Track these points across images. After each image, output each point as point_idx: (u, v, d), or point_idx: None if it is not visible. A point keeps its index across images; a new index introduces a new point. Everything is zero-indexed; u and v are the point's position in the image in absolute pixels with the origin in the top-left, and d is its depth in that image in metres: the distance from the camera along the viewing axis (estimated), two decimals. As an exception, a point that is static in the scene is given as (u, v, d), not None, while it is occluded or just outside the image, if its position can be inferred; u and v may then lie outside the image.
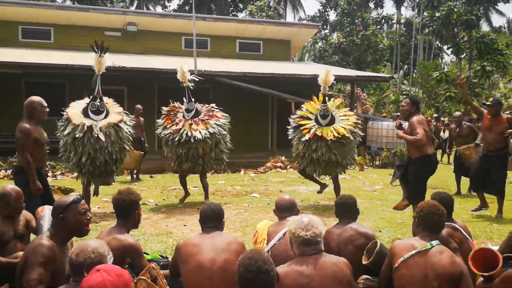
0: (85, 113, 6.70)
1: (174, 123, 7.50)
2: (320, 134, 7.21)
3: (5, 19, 15.49)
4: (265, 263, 2.31)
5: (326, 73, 7.43)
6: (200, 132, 7.24)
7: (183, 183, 7.97)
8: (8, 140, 11.88)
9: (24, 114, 5.13)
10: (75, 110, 6.78)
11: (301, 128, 7.46)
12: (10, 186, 3.89)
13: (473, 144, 8.48)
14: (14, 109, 13.85)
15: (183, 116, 7.58)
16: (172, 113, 7.74)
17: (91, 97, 6.88)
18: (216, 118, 7.61)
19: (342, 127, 7.29)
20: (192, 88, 7.68)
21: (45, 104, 5.18)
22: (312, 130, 7.29)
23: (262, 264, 2.29)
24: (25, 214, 3.90)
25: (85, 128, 6.50)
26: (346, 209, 3.72)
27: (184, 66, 7.74)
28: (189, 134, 7.24)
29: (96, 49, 6.87)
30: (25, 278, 2.80)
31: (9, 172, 10.71)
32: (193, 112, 7.55)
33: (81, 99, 7.11)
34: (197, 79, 7.87)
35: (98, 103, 6.74)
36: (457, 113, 9.64)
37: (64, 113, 6.77)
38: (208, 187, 7.96)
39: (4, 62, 12.29)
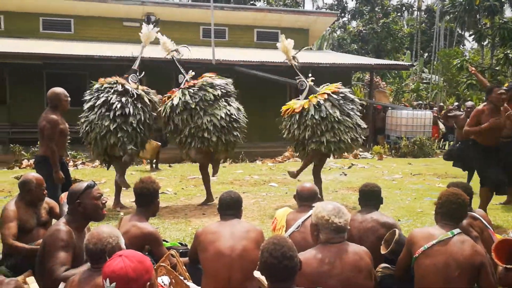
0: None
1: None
2: (289, 111, 6.67)
3: (26, 11, 15.71)
4: (290, 249, 2.31)
5: (282, 40, 6.92)
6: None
7: (207, 184, 7.11)
8: (30, 130, 12.11)
9: (49, 105, 5.23)
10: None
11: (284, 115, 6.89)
12: (32, 173, 3.98)
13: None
14: (35, 99, 14.16)
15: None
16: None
17: (131, 69, 6.92)
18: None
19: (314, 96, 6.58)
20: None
21: (68, 95, 5.31)
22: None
23: (287, 250, 2.29)
24: (48, 202, 4.00)
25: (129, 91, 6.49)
26: (370, 197, 3.69)
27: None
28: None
29: (146, 23, 6.90)
30: (48, 265, 2.86)
31: (31, 161, 10.93)
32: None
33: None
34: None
35: (138, 76, 6.85)
36: (470, 103, 8.96)
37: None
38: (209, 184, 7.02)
39: (25, 53, 12.49)
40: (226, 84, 6.98)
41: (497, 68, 22.26)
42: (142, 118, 6.54)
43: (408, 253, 2.98)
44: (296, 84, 6.98)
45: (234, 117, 6.74)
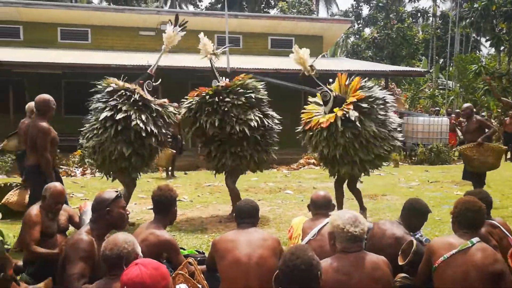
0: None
1: None
2: (313, 125, 5.91)
3: (45, 21, 16.02)
4: (308, 258, 2.32)
5: (296, 50, 5.97)
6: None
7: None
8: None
9: (36, 112, 4.95)
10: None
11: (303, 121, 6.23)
12: (57, 184, 3.93)
13: (476, 143, 7.12)
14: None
15: None
16: None
17: (146, 73, 6.35)
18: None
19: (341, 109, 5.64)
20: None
21: (55, 103, 5.13)
22: (311, 121, 6.01)
23: (306, 259, 2.30)
24: (68, 209, 4.04)
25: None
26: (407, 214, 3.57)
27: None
28: None
29: (173, 24, 6.45)
30: (67, 273, 2.90)
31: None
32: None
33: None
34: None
35: (153, 83, 6.26)
36: (466, 104, 8.06)
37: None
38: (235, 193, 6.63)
39: (45, 63, 12.71)
40: (259, 90, 6.57)
41: (514, 73, 21.99)
42: (160, 138, 5.95)
43: (428, 262, 2.94)
44: (320, 95, 6.16)
45: (269, 127, 6.51)
